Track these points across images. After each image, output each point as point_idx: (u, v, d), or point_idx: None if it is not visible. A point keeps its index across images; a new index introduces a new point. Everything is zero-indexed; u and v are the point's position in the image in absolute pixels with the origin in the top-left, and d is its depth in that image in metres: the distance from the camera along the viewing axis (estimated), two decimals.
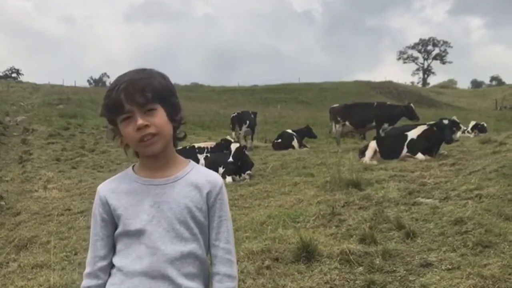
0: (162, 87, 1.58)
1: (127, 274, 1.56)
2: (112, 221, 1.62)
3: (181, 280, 1.55)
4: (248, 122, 15.50)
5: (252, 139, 16.13)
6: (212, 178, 1.66)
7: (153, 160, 1.61)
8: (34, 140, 16.39)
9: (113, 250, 1.63)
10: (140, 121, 1.51)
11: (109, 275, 1.62)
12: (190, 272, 1.57)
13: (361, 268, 3.86)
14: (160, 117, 1.55)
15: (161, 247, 1.54)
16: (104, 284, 1.61)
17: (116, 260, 1.60)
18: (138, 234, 1.56)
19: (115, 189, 1.63)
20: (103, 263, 1.61)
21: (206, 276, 1.64)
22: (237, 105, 32.98)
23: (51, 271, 4.68)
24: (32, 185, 10.76)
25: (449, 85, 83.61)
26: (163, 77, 1.62)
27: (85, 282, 1.63)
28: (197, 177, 1.63)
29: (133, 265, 1.55)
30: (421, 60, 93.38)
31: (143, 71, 1.60)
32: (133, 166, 1.68)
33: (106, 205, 1.61)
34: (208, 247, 1.64)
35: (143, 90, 1.52)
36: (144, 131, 1.52)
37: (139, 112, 1.52)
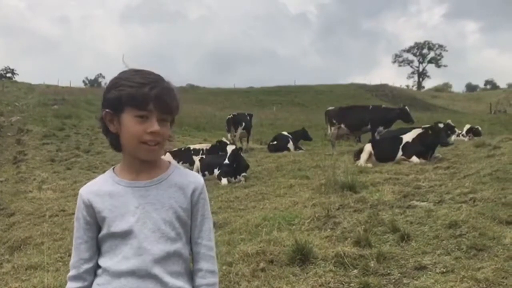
0: (178, 105, 1.63)
1: (114, 274, 1.58)
2: (95, 223, 1.63)
3: (168, 279, 1.58)
4: (243, 124, 15.51)
5: (247, 141, 16.14)
6: (194, 179, 1.70)
7: (140, 162, 1.63)
8: (28, 140, 16.34)
9: (97, 252, 1.65)
10: (157, 127, 1.55)
11: (95, 276, 1.64)
12: (176, 271, 1.61)
13: (355, 271, 3.87)
14: (168, 130, 1.60)
15: (148, 247, 1.57)
16: (89, 286, 1.63)
17: (102, 261, 1.62)
18: (124, 235, 1.59)
19: (98, 192, 1.64)
20: (88, 265, 1.63)
21: (189, 273, 1.67)
22: (232, 107, 33.01)
23: (45, 272, 4.67)
24: (27, 185, 10.75)
25: (444, 88, 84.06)
26: (178, 94, 1.65)
27: (70, 284, 1.64)
28: (180, 178, 1.67)
29: (120, 265, 1.57)
30: (416, 63, 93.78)
31: (166, 80, 1.61)
32: (113, 168, 1.70)
33: (90, 208, 1.62)
34: (190, 245, 1.67)
35: (171, 101, 1.57)
36: (154, 136, 1.56)
37: (157, 118, 1.56)
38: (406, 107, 12.82)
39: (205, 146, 12.35)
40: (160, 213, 1.60)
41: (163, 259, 1.58)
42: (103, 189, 1.64)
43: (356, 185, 6.52)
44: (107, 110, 1.58)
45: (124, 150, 1.63)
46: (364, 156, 9.54)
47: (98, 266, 1.63)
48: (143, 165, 1.64)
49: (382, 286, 3.61)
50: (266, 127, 24.68)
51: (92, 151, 14.94)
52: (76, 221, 1.66)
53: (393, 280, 3.70)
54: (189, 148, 12.31)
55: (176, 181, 1.66)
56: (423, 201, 5.68)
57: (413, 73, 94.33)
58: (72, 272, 1.65)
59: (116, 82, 1.58)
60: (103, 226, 1.62)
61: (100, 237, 1.63)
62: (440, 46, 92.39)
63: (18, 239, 6.46)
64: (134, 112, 1.54)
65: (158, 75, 1.61)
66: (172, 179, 1.66)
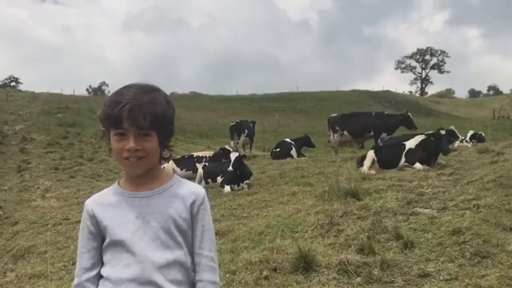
0: (164, 115, 1.63)
1: (116, 282, 1.62)
2: (99, 233, 1.68)
3: (168, 286, 1.61)
4: (246, 131, 15.52)
5: (250, 148, 16.14)
6: (195, 190, 1.72)
7: (138, 176, 1.68)
8: (32, 149, 16.39)
9: (100, 261, 1.69)
10: (132, 144, 1.58)
11: (98, 285, 1.68)
12: (177, 279, 1.64)
13: (359, 279, 3.86)
14: (152, 143, 1.61)
15: (148, 254, 1.61)
16: None
17: (104, 271, 1.67)
18: (124, 243, 1.63)
19: (101, 203, 1.70)
20: (90, 274, 1.68)
21: (191, 283, 1.69)
22: (235, 114, 33.05)
23: (48, 281, 4.68)
24: (30, 194, 10.76)
25: (447, 94, 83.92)
26: (168, 102, 1.67)
27: None
28: (181, 189, 1.70)
29: (121, 273, 1.62)
30: (419, 69, 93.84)
31: (150, 92, 1.63)
32: (118, 182, 1.75)
33: (93, 218, 1.68)
34: (192, 255, 1.70)
35: (146, 115, 1.57)
36: (133, 153, 1.59)
37: (134, 134, 1.58)
38: (409, 113, 12.81)
39: (208, 153, 12.36)
40: (159, 222, 1.64)
41: (164, 267, 1.62)
42: (107, 199, 1.70)
43: (359, 192, 6.51)
44: (102, 128, 1.66)
45: None
46: (367, 163, 9.53)
47: (101, 276, 1.67)
48: (142, 179, 1.68)
49: None
50: (269, 134, 24.71)
51: (96, 159, 14.97)
52: (81, 232, 1.72)
53: None
54: (192, 155, 12.31)
55: (177, 191, 1.69)
56: (426, 208, 5.66)
57: (415, 79, 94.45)
58: (75, 281, 1.70)
59: (105, 100, 1.64)
60: (106, 235, 1.67)
61: (104, 246, 1.68)
62: (443, 52, 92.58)
63: (22, 248, 6.47)
64: (113, 130, 1.60)
65: (139, 90, 1.61)
66: (173, 190, 1.69)
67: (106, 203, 1.69)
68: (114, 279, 1.62)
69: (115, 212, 1.67)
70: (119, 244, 1.64)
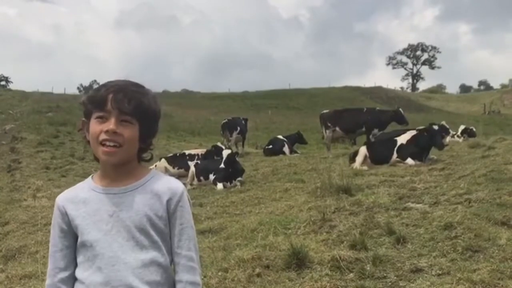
0: (149, 108, 1.60)
1: (89, 286, 1.56)
2: (71, 231, 1.61)
3: None
4: (239, 128, 15.49)
5: (243, 145, 16.12)
6: (173, 185, 1.64)
7: (112, 169, 1.61)
8: (23, 148, 16.23)
9: (74, 261, 1.62)
10: (112, 126, 1.53)
11: (72, 287, 1.62)
12: (154, 281, 1.57)
13: (351, 275, 3.86)
14: (132, 132, 1.56)
15: (122, 256, 1.55)
16: None
17: (78, 273, 1.60)
18: (97, 244, 1.56)
19: (73, 199, 1.63)
20: (64, 274, 1.61)
21: (171, 284, 1.63)
22: (228, 112, 32.93)
23: (39, 282, 4.62)
24: (21, 194, 10.66)
25: (438, 90, 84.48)
26: (155, 101, 1.64)
27: None
28: (157, 185, 1.63)
29: (94, 277, 1.55)
30: (410, 65, 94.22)
31: (139, 86, 1.62)
32: (92, 176, 1.69)
33: (64, 215, 1.61)
34: (171, 254, 1.64)
35: (130, 100, 1.54)
36: (111, 136, 1.53)
37: (116, 117, 1.54)
38: (400, 109, 12.86)
39: (200, 151, 12.33)
40: (133, 221, 1.57)
41: (139, 269, 1.55)
42: (79, 196, 1.63)
43: (351, 188, 6.51)
44: (82, 119, 1.63)
45: None
46: (359, 158, 9.55)
47: (75, 278, 1.61)
48: (118, 172, 1.61)
49: None
50: (262, 131, 24.69)
51: (87, 158, 14.82)
52: (52, 229, 1.65)
53: (389, 283, 3.69)
54: (184, 153, 12.27)
55: (152, 188, 1.62)
56: (418, 203, 5.67)
57: (407, 75, 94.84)
58: (47, 281, 1.63)
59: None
60: (78, 234, 1.60)
61: (77, 246, 1.61)
62: (434, 48, 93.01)
63: (13, 248, 6.41)
64: (95, 114, 1.56)
65: (128, 81, 1.61)
66: (149, 186, 1.62)
67: (78, 200, 1.62)
68: (87, 283, 1.56)
69: (87, 210, 1.59)
70: (91, 245, 1.57)
